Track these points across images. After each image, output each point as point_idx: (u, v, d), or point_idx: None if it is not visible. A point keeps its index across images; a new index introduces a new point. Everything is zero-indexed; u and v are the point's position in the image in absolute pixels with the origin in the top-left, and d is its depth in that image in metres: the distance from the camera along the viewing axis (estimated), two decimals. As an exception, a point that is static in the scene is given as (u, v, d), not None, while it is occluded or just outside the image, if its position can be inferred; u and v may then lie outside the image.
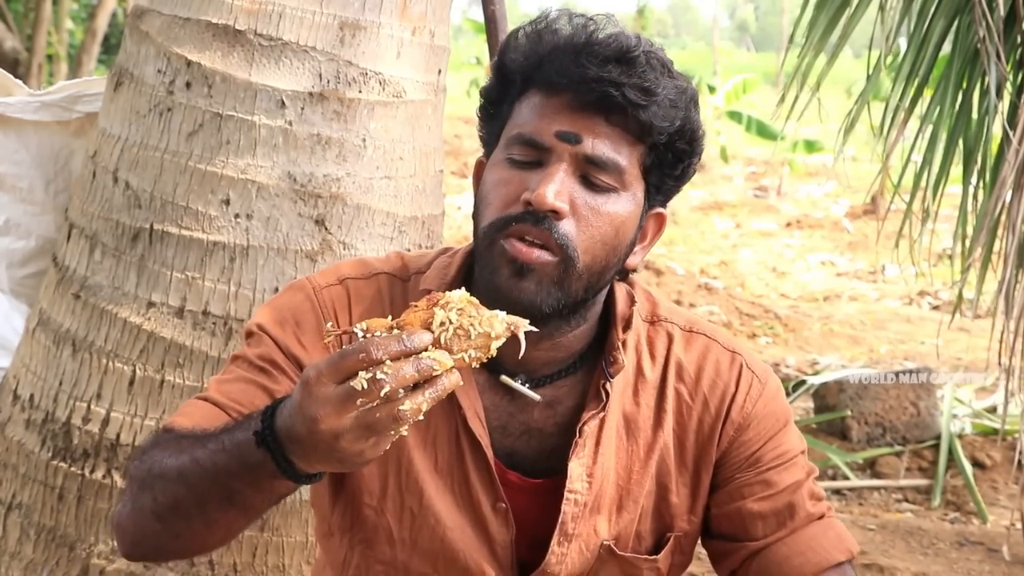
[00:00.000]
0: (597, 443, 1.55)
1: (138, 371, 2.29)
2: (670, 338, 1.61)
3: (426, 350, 1.20)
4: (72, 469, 2.31)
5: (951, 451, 4.78)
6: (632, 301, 1.59)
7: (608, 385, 1.55)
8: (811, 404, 5.28)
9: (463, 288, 1.27)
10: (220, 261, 2.28)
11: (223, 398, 1.50)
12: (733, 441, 1.58)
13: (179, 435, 1.43)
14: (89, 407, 2.31)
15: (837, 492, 4.66)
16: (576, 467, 1.54)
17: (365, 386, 1.17)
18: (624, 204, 1.47)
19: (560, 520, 1.54)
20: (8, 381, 2.51)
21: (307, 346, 1.54)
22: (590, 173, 1.45)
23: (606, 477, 1.56)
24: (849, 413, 4.96)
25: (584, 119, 1.44)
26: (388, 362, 1.18)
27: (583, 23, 1.47)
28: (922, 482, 4.74)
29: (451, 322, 1.21)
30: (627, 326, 1.57)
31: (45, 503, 2.35)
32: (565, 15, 1.50)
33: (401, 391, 1.18)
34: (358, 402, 1.18)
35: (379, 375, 1.17)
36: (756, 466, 1.58)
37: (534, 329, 1.28)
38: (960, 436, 4.94)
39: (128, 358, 2.29)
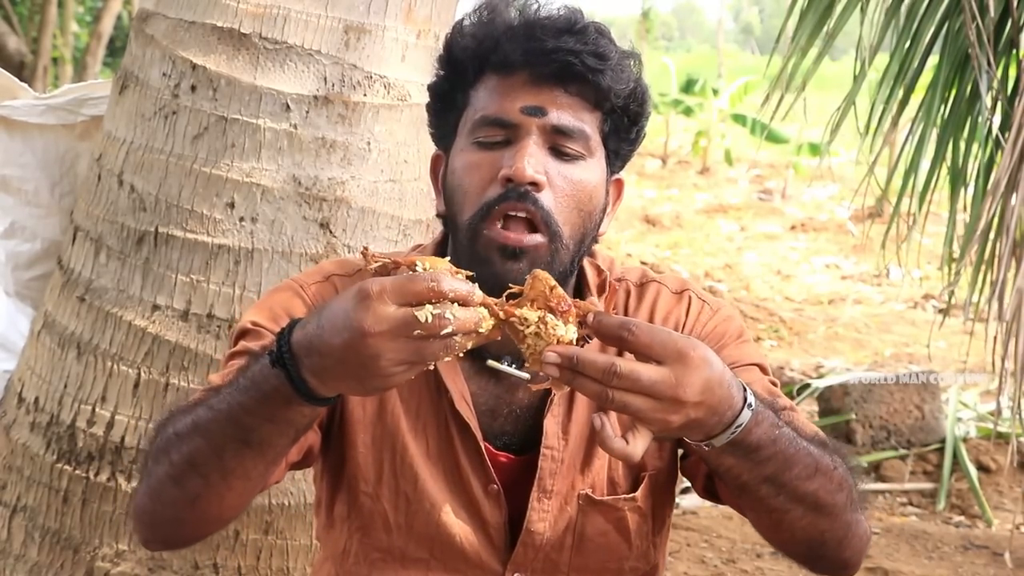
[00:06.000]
0: (571, 400, 1.58)
1: (143, 374, 2.29)
2: (628, 294, 1.66)
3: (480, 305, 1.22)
4: (77, 472, 2.32)
5: (956, 455, 4.77)
6: (600, 269, 1.64)
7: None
8: (816, 407, 5.27)
9: (447, 259, 1.26)
10: (225, 264, 2.28)
11: None
12: None
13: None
14: (94, 410, 2.31)
15: (841, 495, 4.65)
16: (551, 424, 1.56)
17: (430, 320, 1.17)
18: (593, 170, 1.53)
19: (537, 476, 1.56)
20: (13, 384, 2.51)
21: None
22: (559, 143, 1.50)
23: (580, 433, 1.58)
24: (854, 416, 4.96)
25: (545, 92, 1.50)
26: (452, 304, 1.18)
27: (526, 4, 1.54)
28: (927, 486, 4.73)
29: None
30: (602, 291, 1.62)
31: (50, 506, 2.35)
32: (503, 1, 1.56)
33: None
34: (415, 332, 1.18)
35: (447, 314, 1.18)
36: None
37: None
38: (965, 439, 4.92)
39: (133, 361, 2.30)
